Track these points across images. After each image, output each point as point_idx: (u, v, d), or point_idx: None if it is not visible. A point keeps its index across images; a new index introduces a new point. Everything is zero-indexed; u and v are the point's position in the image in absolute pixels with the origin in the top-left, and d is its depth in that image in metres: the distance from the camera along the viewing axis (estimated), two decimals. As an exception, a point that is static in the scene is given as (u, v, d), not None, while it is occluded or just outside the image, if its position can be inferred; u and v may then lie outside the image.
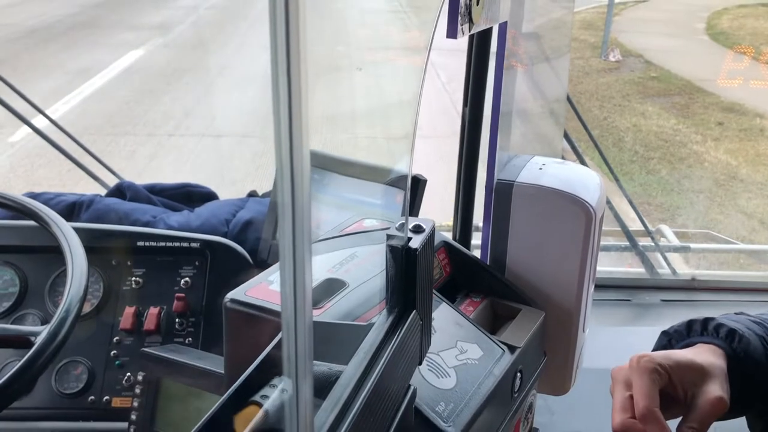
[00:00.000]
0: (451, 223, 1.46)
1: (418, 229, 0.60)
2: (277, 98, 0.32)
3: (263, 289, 0.79)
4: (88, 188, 1.78)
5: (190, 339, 1.24)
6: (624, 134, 5.75)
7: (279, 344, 0.62)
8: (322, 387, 0.54)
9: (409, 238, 0.58)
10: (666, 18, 10.06)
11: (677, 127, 5.98)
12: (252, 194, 1.61)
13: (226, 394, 0.54)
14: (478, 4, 0.70)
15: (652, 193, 4.67)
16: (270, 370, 0.61)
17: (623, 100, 6.63)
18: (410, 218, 0.60)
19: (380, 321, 0.57)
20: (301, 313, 0.36)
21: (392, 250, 0.56)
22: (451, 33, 0.67)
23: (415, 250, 0.57)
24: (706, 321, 0.78)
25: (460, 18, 0.67)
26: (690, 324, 0.79)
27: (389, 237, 0.57)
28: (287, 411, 0.37)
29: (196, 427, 0.48)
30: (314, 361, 0.61)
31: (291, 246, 0.35)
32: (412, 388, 0.60)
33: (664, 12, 10.45)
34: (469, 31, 0.71)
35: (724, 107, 6.40)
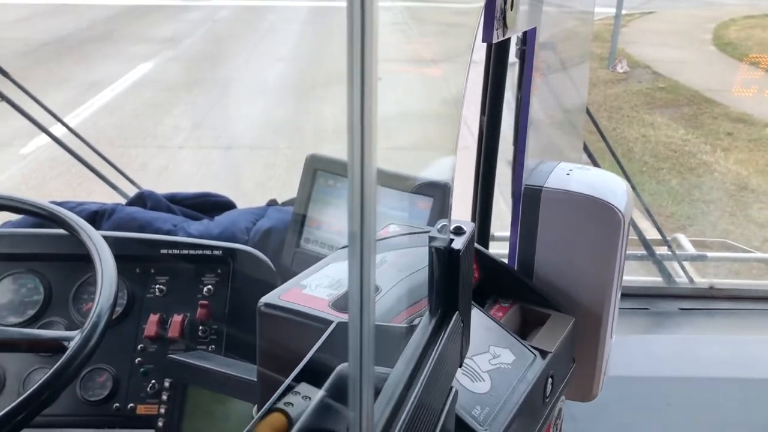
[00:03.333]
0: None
1: (458, 231, 0.60)
2: (351, 111, 0.33)
3: (297, 293, 0.79)
4: (100, 200, 1.79)
5: (213, 346, 1.25)
6: (633, 145, 5.75)
7: (319, 349, 0.63)
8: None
9: (452, 240, 0.58)
10: (673, 29, 10.07)
11: (686, 138, 5.98)
12: (272, 203, 1.62)
13: (268, 403, 0.54)
14: (512, 9, 0.71)
15: (662, 204, 4.66)
16: (295, 376, 0.61)
17: (632, 111, 6.63)
18: (451, 220, 0.61)
19: (424, 322, 0.57)
20: (367, 312, 0.36)
21: (436, 252, 0.57)
22: (487, 37, 0.67)
23: (458, 251, 0.57)
24: None
25: (495, 23, 0.67)
26: None
27: (431, 239, 0.58)
28: (350, 407, 0.38)
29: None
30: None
31: (359, 250, 0.35)
32: (453, 389, 0.60)
33: (671, 23, 10.46)
34: (503, 36, 0.71)
35: (733, 117, 6.40)
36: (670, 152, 5.62)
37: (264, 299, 0.79)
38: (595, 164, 1.67)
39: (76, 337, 0.85)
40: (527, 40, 0.92)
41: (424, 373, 0.51)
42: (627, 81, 7.51)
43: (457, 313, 0.59)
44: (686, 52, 8.96)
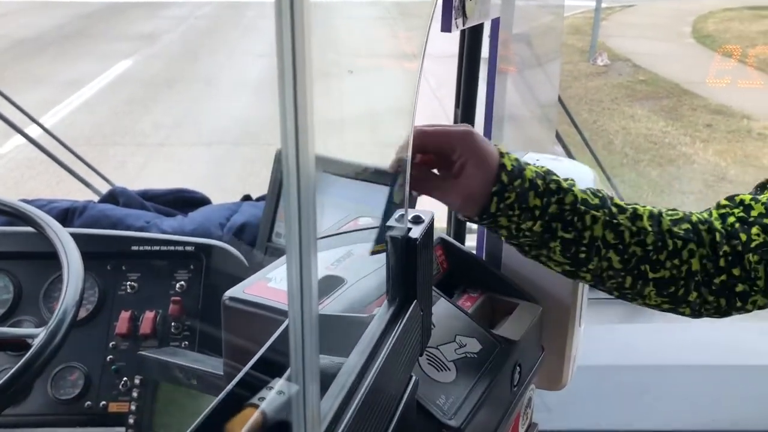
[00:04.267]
0: (444, 225, 1.47)
1: (417, 220, 0.60)
2: (283, 100, 0.32)
3: (262, 286, 0.79)
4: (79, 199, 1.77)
5: (187, 343, 1.24)
6: (613, 137, 5.79)
7: (277, 343, 0.62)
8: (324, 379, 0.54)
9: (409, 229, 0.58)
10: (652, 22, 10.14)
11: (666, 130, 6.03)
12: (246, 198, 1.61)
13: (221, 395, 0.54)
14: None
15: (642, 195, 4.69)
16: (268, 371, 0.61)
17: (612, 104, 6.67)
18: (409, 210, 0.61)
19: (381, 312, 0.57)
20: (308, 304, 0.36)
21: (393, 241, 0.57)
22: (446, 26, 0.67)
23: (415, 240, 0.57)
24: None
25: (454, 12, 0.67)
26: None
27: (389, 228, 0.58)
28: (294, 403, 0.37)
29: (191, 428, 0.48)
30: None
31: (297, 239, 0.35)
32: (414, 378, 0.60)
33: (650, 16, 10.53)
34: (463, 25, 0.71)
35: (712, 109, 6.46)
36: (650, 144, 5.66)
37: (228, 293, 0.79)
38: (569, 154, 1.67)
39: (40, 334, 0.84)
40: (492, 30, 0.92)
41: (379, 361, 0.51)
42: (607, 74, 7.56)
43: (415, 301, 0.59)
44: (666, 44, 9.02)
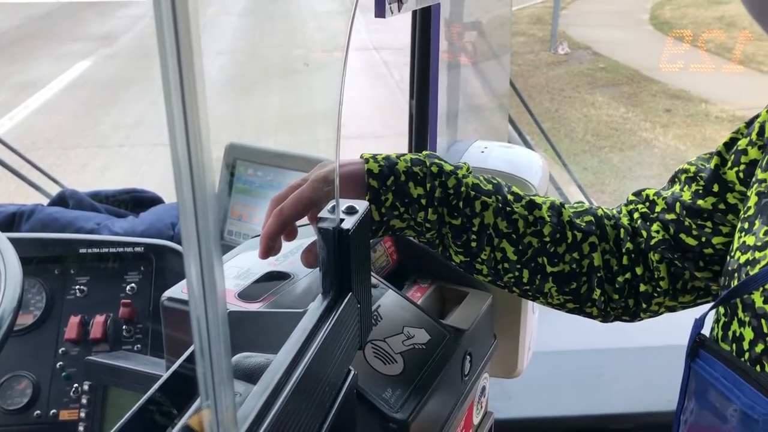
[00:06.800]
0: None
1: (351, 211, 0.58)
2: (168, 85, 0.31)
3: (202, 285, 0.77)
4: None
5: (139, 345, 1.21)
6: (575, 125, 5.84)
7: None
8: (258, 377, 0.53)
9: (342, 220, 0.57)
10: (611, 10, 10.25)
11: (627, 116, 6.10)
12: (199, 196, 1.58)
13: (149, 392, 0.52)
14: (405, -16, 0.69)
15: (605, 181, 4.75)
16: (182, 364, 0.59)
17: (573, 92, 6.73)
18: (343, 200, 0.59)
19: (314, 306, 0.56)
20: (212, 305, 0.34)
21: (323, 233, 0.55)
22: (379, 12, 0.66)
23: (348, 230, 0.55)
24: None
25: (386, -3, 0.66)
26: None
27: (320, 219, 0.56)
28: (207, 409, 0.36)
29: (118, 425, 0.46)
30: (251, 354, 0.60)
31: (195, 237, 0.33)
32: (352, 372, 0.59)
33: (609, 4, 10.64)
34: (399, 11, 0.70)
35: (671, 94, 6.55)
36: (611, 130, 5.72)
37: (167, 293, 0.77)
38: (525, 141, 1.68)
39: (-26, 344, 0.81)
40: (432, 16, 0.91)
41: (309, 356, 0.49)
42: (568, 62, 7.62)
43: (350, 294, 0.57)
44: (625, 32, 9.13)
